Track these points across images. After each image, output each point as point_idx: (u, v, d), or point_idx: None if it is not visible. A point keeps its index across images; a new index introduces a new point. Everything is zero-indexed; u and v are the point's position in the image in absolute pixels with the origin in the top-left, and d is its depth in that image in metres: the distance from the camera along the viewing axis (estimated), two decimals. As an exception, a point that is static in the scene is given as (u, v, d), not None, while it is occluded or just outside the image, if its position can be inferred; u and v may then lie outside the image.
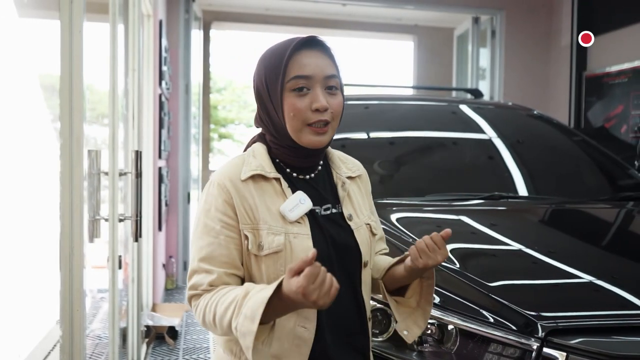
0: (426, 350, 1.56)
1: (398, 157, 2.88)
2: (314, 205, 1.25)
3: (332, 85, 1.24)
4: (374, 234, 1.33)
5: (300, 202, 1.23)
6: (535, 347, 1.44)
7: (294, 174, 1.29)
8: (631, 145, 5.34)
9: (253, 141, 1.33)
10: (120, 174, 2.63)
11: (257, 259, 1.19)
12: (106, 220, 2.47)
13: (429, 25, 8.59)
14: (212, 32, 8.15)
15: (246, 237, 1.20)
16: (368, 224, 1.32)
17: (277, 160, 1.29)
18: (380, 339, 1.60)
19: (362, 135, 3.04)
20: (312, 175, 1.30)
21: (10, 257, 2.62)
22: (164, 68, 4.97)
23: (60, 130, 1.90)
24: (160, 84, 4.74)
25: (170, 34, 5.76)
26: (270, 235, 1.19)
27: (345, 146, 2.92)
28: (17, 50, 2.61)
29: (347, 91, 4.62)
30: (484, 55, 6.97)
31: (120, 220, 2.63)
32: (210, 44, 8.10)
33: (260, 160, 1.25)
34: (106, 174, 2.49)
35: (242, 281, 1.22)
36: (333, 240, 1.25)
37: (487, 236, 2.07)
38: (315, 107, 1.21)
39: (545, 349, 1.44)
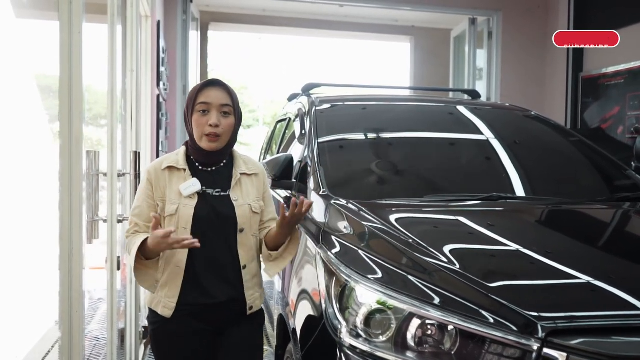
0: (426, 350, 1.56)
1: (396, 158, 2.88)
2: (207, 188, 1.90)
3: (225, 110, 1.88)
4: (254, 212, 1.95)
5: (192, 185, 1.88)
6: (535, 347, 1.44)
7: (200, 167, 1.94)
8: (627, 146, 5.36)
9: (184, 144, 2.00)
10: (119, 175, 2.63)
11: (164, 218, 1.87)
12: (105, 221, 2.46)
13: (426, 27, 8.59)
14: (210, 33, 8.14)
15: (158, 205, 1.88)
16: (249, 204, 1.94)
17: (192, 157, 1.94)
18: (380, 340, 1.60)
19: (360, 136, 3.04)
20: (214, 168, 1.95)
21: (9, 258, 2.61)
22: (162, 69, 4.96)
23: (59, 131, 1.90)
24: (158, 84, 4.74)
25: (168, 35, 5.75)
26: (169, 205, 1.87)
27: (343, 147, 2.92)
28: (17, 51, 2.60)
29: (345, 92, 4.58)
30: (481, 56, 6.98)
31: (119, 221, 2.63)
32: (207, 44, 8.09)
33: (178, 157, 1.92)
34: (105, 174, 2.48)
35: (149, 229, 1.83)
36: (215, 210, 1.89)
37: (485, 237, 2.08)
38: (209, 124, 1.85)
39: (545, 350, 1.44)
